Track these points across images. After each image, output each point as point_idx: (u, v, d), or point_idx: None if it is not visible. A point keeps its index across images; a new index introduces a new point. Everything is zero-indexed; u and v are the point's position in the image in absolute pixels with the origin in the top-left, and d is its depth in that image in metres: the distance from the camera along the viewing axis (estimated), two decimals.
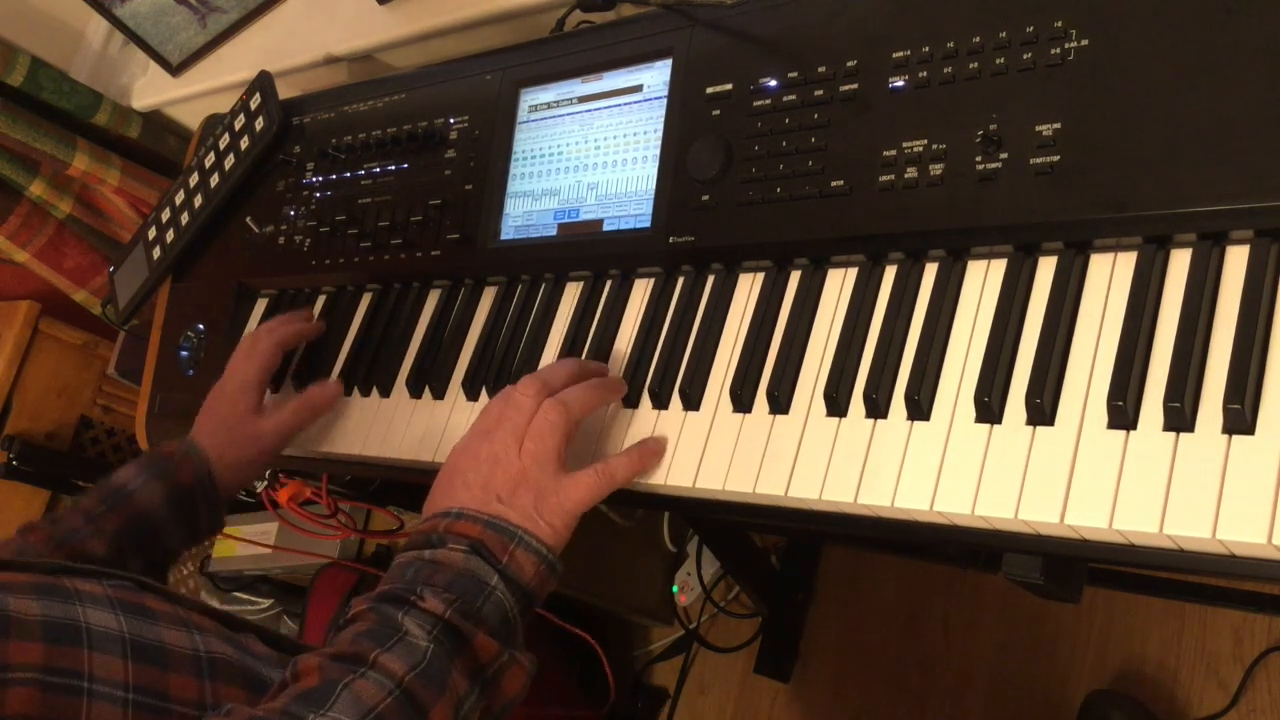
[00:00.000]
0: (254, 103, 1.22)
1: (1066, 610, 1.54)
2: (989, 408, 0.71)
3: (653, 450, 0.83)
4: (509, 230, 1.01)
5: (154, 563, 0.97)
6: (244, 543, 1.65)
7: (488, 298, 1.03)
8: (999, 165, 0.73)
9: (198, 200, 1.24)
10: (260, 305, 1.22)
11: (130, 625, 0.69)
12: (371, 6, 1.26)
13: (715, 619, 1.83)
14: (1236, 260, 0.67)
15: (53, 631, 0.64)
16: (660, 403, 0.86)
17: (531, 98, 1.02)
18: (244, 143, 1.21)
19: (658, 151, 0.92)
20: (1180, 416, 0.64)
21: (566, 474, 0.80)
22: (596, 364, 0.90)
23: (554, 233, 0.98)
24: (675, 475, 0.82)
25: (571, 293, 0.98)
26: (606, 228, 0.94)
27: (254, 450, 1.02)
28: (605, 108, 0.97)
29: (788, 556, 1.78)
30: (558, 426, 0.80)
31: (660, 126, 0.92)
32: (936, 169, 0.76)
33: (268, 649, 0.80)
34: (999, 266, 0.76)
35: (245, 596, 1.76)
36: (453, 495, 0.80)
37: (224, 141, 1.24)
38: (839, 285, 0.83)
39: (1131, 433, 0.65)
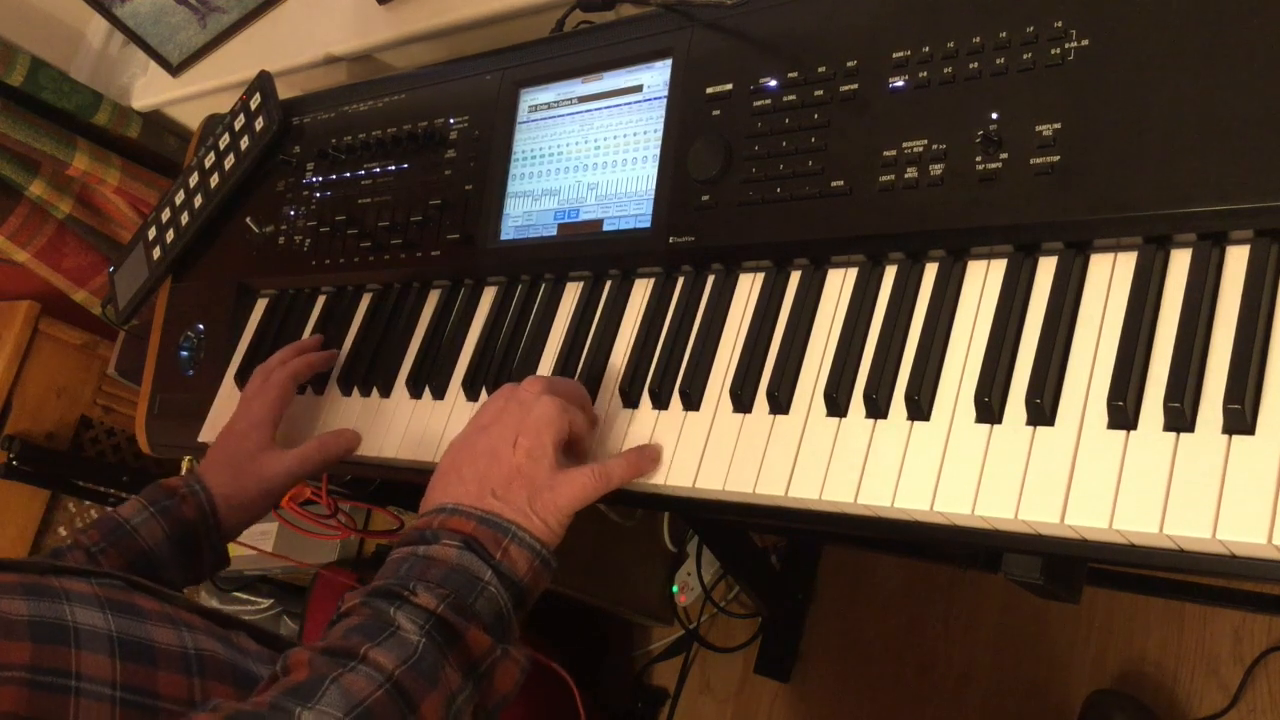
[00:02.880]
0: (254, 103, 1.22)
1: (1067, 610, 1.54)
2: (989, 408, 0.71)
3: (650, 456, 0.83)
4: (509, 230, 1.01)
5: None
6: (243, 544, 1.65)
7: (488, 298, 1.03)
8: (999, 165, 0.73)
9: (198, 200, 1.24)
10: (260, 305, 1.22)
11: (118, 624, 0.69)
12: (371, 6, 1.26)
13: (715, 619, 1.83)
14: (1236, 260, 0.67)
15: (40, 630, 0.64)
16: (660, 403, 0.86)
17: (531, 98, 1.02)
18: (244, 143, 1.21)
19: (658, 151, 0.92)
20: (1180, 417, 0.64)
21: (562, 471, 0.79)
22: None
23: (554, 233, 0.98)
24: (675, 475, 0.82)
25: (571, 293, 0.98)
26: (606, 228, 0.94)
27: (258, 491, 0.99)
28: (605, 108, 0.97)
29: (788, 556, 1.78)
30: (553, 423, 0.79)
31: (660, 126, 0.92)
32: (936, 169, 0.76)
33: (259, 646, 0.80)
34: (999, 267, 0.76)
35: (245, 596, 1.76)
36: (447, 490, 0.79)
37: (224, 141, 1.24)
38: (839, 285, 0.83)
39: (1132, 433, 0.65)
